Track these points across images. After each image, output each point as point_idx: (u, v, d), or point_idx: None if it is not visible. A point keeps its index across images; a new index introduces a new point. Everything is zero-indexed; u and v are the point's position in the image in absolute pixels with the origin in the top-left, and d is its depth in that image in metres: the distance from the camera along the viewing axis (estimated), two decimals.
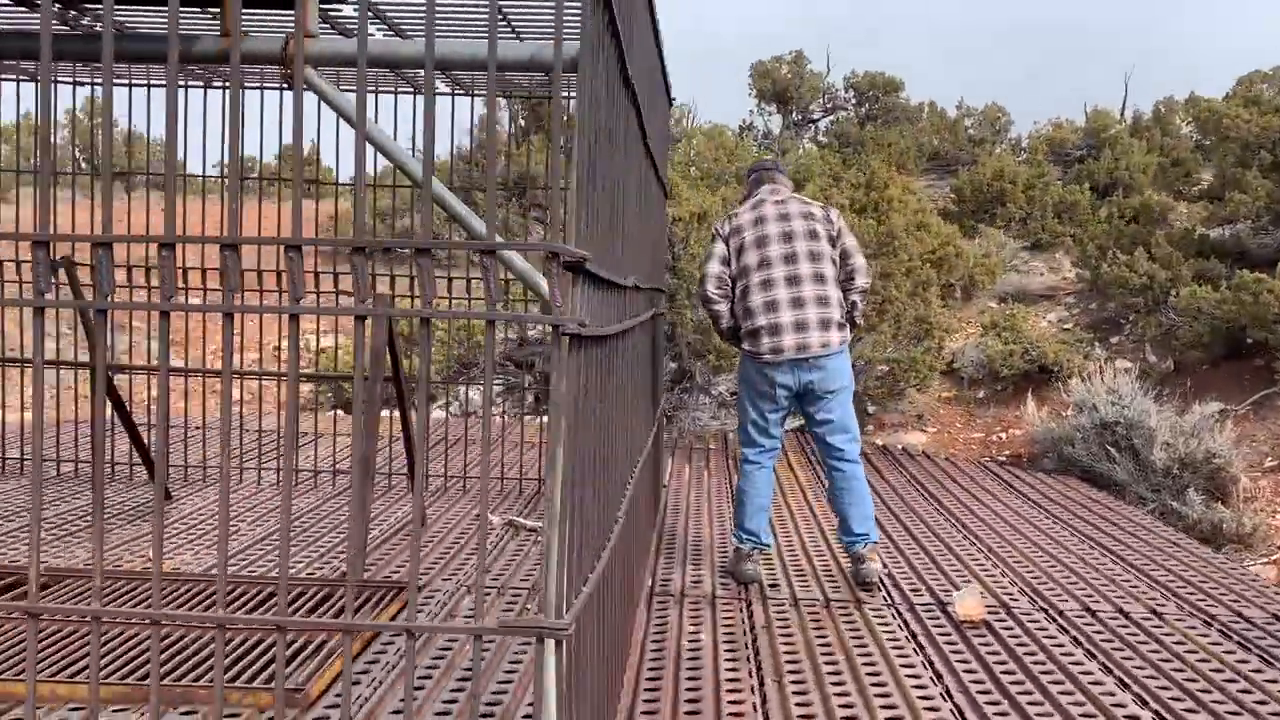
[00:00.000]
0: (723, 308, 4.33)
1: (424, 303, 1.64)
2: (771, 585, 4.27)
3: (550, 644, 1.69)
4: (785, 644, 3.54)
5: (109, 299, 1.74)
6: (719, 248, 4.36)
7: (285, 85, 3.87)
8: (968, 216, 14.19)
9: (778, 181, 4.51)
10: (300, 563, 4.35)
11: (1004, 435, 8.58)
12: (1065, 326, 10.27)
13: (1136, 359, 9.35)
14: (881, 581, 4.35)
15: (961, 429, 8.87)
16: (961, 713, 3.02)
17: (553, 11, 2.51)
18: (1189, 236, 10.08)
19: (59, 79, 5.45)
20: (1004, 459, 8.13)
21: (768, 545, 4.44)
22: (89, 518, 4.80)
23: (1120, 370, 8.42)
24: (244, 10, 3.31)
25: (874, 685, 3.18)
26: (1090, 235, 10.57)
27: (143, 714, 2.80)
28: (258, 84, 5.49)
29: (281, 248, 1.67)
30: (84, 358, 4.93)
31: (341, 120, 3.71)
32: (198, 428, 7.08)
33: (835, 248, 4.29)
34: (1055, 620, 3.90)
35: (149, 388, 6.53)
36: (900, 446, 8.28)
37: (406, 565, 4.33)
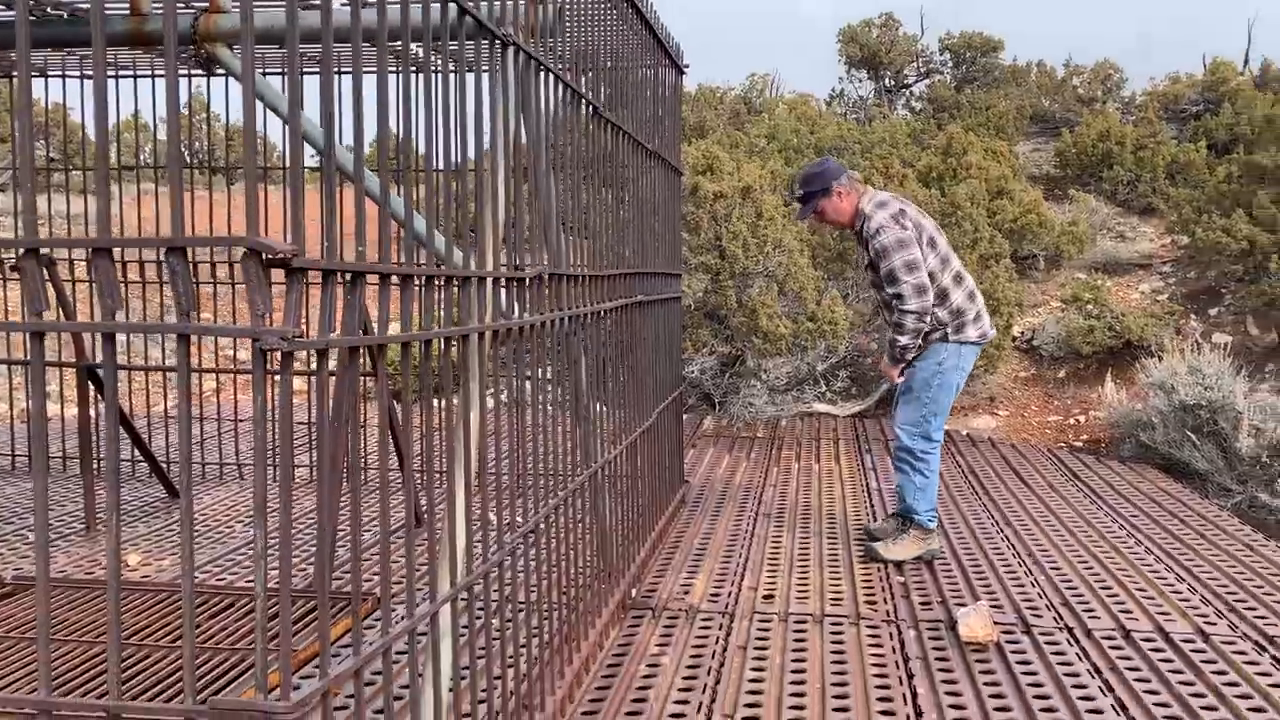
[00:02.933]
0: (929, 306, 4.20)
1: (103, 313, 1.35)
2: (766, 597, 3.90)
3: None
4: (755, 668, 3.18)
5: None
6: (912, 238, 4.16)
7: (200, 69, 3.65)
8: (1071, 181, 13.31)
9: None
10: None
11: (1082, 418, 7.92)
12: (1159, 298, 9.47)
13: (1237, 332, 8.54)
14: (890, 593, 3.95)
15: (1037, 412, 8.23)
16: None
17: None
18: None
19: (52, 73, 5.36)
20: (1080, 445, 7.50)
21: None
22: (97, 518, 4.73)
23: (1214, 346, 7.67)
24: None
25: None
26: (1187, 197, 9.70)
27: None
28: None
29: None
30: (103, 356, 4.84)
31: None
32: (229, 421, 7.03)
33: None
34: (1077, 642, 3.42)
35: (147, 382, 6.45)
36: (964, 433, 7.73)
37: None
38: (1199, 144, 13.41)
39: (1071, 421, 7.94)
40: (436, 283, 1.91)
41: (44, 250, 1.38)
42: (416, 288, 1.82)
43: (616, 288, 3.64)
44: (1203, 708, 2.89)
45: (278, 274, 1.37)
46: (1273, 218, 8.39)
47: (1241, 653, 3.32)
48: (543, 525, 2.63)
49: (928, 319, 4.15)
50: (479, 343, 2.19)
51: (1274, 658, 3.29)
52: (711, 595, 3.90)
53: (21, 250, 1.35)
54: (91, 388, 4.71)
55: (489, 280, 2.25)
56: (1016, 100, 17.39)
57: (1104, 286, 9.12)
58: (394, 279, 1.73)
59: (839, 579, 4.12)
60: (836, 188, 4.27)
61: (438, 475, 4.51)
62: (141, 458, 5.27)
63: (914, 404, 4.29)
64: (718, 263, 7.68)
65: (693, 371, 8.26)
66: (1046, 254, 10.39)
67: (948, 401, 4.34)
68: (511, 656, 2.66)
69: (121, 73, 5.27)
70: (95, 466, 4.72)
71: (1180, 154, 13.01)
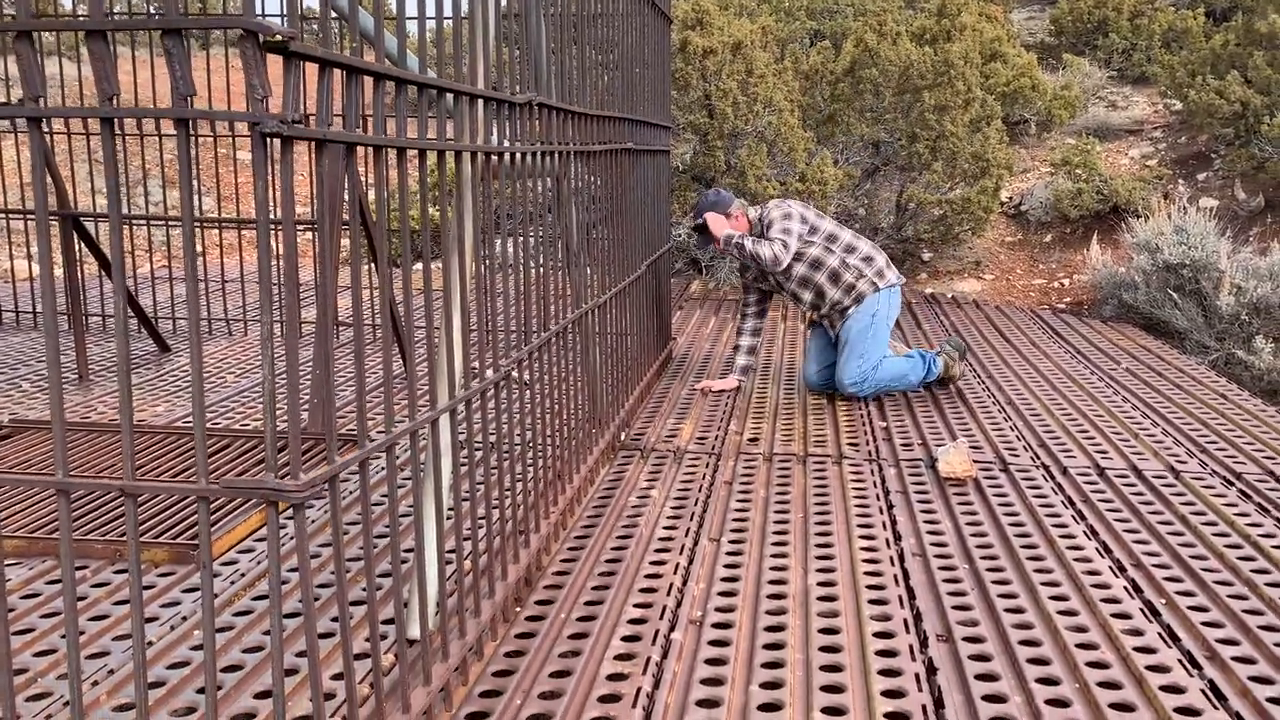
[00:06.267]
0: None
1: (100, 98, 1.35)
2: (751, 440, 3.99)
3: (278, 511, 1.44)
4: (740, 500, 3.28)
5: None
6: (797, 227, 4.60)
7: None
8: (1066, 49, 13.07)
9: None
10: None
11: (1067, 282, 7.98)
12: (1148, 163, 9.42)
13: (1224, 197, 8.54)
14: (872, 436, 4.05)
15: (1022, 275, 8.28)
16: (907, 575, 2.73)
17: None
18: None
19: None
20: (1063, 307, 7.58)
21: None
22: (89, 369, 4.76)
23: (1202, 209, 7.69)
24: None
25: (818, 545, 2.90)
26: (1181, 60, 9.55)
27: (32, 568, 2.70)
28: None
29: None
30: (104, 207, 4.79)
31: None
32: (226, 280, 7.02)
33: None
34: (1053, 479, 3.54)
35: (132, 237, 6.40)
36: (949, 295, 7.79)
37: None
38: (1197, 11, 13.13)
39: (1056, 285, 8.00)
40: (429, 93, 1.90)
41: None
42: (410, 95, 1.81)
43: (606, 130, 3.61)
44: (1170, 533, 3.02)
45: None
46: (1267, 80, 8.30)
47: (1210, 487, 3.44)
48: (534, 354, 2.68)
49: (774, 266, 4.51)
50: (471, 164, 2.19)
51: (1241, 491, 3.42)
52: (698, 439, 4.00)
53: (13, 34, 1.34)
54: (77, 239, 4.68)
55: (479, 101, 2.23)
56: None
57: (1094, 151, 9.06)
58: (389, 83, 1.72)
59: (822, 425, 4.22)
60: (733, 211, 4.70)
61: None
62: (130, 311, 5.27)
63: (855, 358, 4.52)
64: (706, 122, 7.58)
65: (680, 235, 8.24)
66: (1038, 119, 10.28)
67: (884, 342, 4.58)
68: (508, 488, 2.75)
69: None
70: (84, 320, 4.73)
71: (1178, 21, 12.74)
